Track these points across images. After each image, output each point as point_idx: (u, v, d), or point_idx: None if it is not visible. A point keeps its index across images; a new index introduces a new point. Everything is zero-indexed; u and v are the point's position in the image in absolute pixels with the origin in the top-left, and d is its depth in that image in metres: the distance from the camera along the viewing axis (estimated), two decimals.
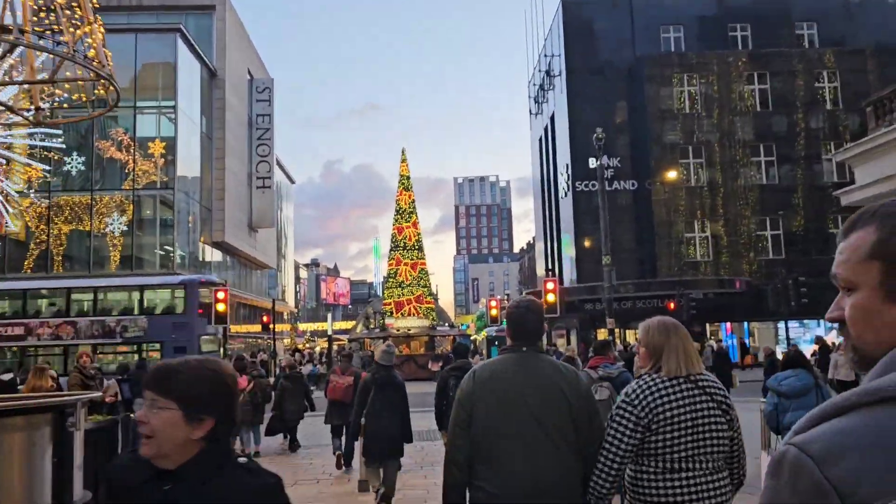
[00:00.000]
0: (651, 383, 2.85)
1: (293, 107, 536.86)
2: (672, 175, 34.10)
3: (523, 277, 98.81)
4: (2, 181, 10.82)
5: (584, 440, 2.84)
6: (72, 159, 30.90)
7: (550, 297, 17.65)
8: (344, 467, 9.45)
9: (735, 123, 35.54)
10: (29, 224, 31.24)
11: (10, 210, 11.61)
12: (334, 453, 9.92)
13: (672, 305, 25.83)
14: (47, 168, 16.68)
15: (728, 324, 36.62)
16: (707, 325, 35.00)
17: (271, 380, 15.27)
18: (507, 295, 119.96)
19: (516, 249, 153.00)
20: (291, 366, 12.69)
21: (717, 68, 35.72)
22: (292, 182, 65.55)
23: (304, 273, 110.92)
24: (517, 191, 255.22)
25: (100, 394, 7.22)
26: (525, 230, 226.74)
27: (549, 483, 2.75)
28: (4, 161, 10.49)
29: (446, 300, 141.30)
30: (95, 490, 7.07)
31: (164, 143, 31.59)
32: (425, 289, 34.02)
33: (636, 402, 2.81)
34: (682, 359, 2.87)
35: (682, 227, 35.00)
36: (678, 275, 34.35)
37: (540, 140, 46.77)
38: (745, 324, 35.41)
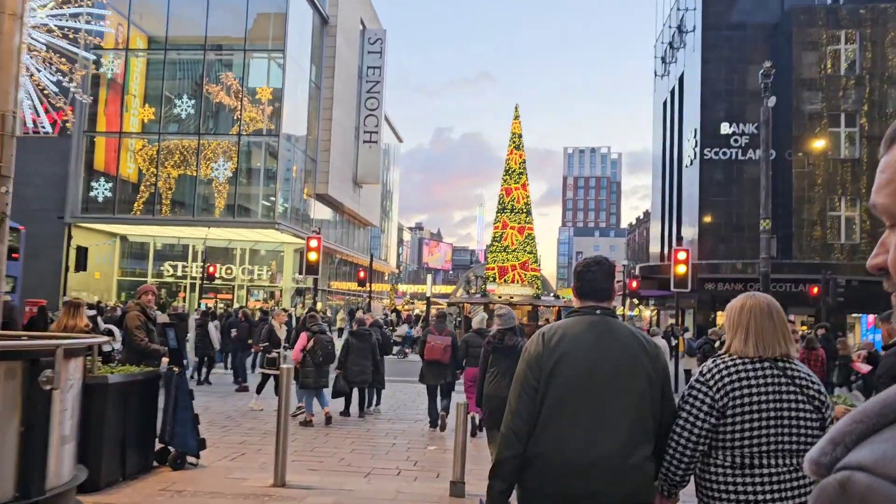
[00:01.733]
0: (730, 363, 2.57)
1: (407, 73, 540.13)
2: (820, 145, 30.20)
3: (631, 253, 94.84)
4: (37, 72, 9.37)
5: (658, 414, 2.62)
6: (182, 102, 30.63)
7: (681, 269, 15.26)
8: (433, 427, 9.58)
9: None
10: (141, 167, 31.43)
11: (48, 109, 10.27)
12: (429, 415, 9.86)
13: (815, 290, 22.65)
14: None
15: (870, 316, 32.52)
16: (846, 316, 31.17)
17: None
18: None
19: (624, 224, 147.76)
20: (361, 321, 11.17)
21: (882, 24, 31.15)
22: (400, 141, 64.53)
23: (407, 236, 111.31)
24: (628, 166, 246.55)
25: (103, 339, 5.73)
26: (633, 207, 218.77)
27: (624, 461, 2.50)
28: (42, 45, 9.03)
29: (548, 272, 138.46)
30: (123, 463, 5.55)
31: (271, 90, 30.79)
32: (531, 255, 31.70)
33: (711, 382, 2.55)
34: (761, 338, 2.54)
35: (825, 205, 31.06)
36: (818, 257, 30.61)
37: (664, 104, 43.18)
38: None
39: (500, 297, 33.93)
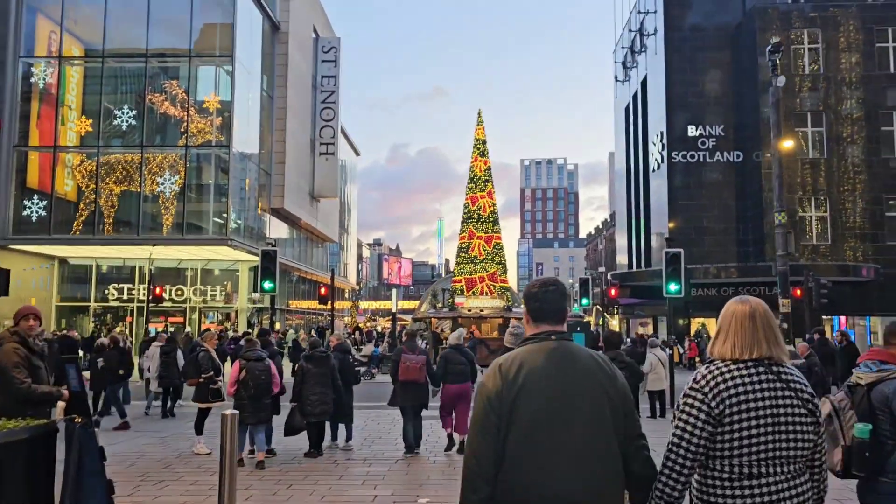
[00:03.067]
0: (724, 368, 2.47)
1: (362, 90, 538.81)
2: (788, 145, 29.63)
3: (591, 263, 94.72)
4: None
5: (623, 438, 2.49)
6: (123, 113, 28.59)
7: (674, 271, 14.05)
8: (408, 452, 9.23)
9: (863, 87, 30.69)
10: (80, 183, 29.24)
11: None
12: (405, 439, 9.33)
13: (799, 292, 21.77)
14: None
15: (842, 317, 32.04)
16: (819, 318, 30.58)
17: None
18: (570, 282, 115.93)
19: (582, 235, 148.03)
20: (314, 344, 9.62)
21: (844, 22, 30.90)
22: (357, 154, 62.89)
23: (366, 252, 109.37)
24: (583, 177, 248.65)
25: None
26: (589, 218, 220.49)
27: (600, 493, 2.40)
28: None
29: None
30: None
31: (219, 100, 28.97)
32: (500, 266, 30.53)
33: (706, 388, 2.44)
34: (739, 339, 2.47)
35: (795, 206, 30.51)
36: (793, 259, 29.96)
37: (627, 109, 42.58)
38: (868, 318, 30.73)
39: (469, 311, 32.51)
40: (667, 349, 14.32)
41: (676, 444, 2.44)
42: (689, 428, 2.42)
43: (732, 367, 2.46)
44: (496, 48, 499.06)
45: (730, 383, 2.41)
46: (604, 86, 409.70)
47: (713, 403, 2.40)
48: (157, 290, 24.17)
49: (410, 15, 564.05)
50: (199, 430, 9.30)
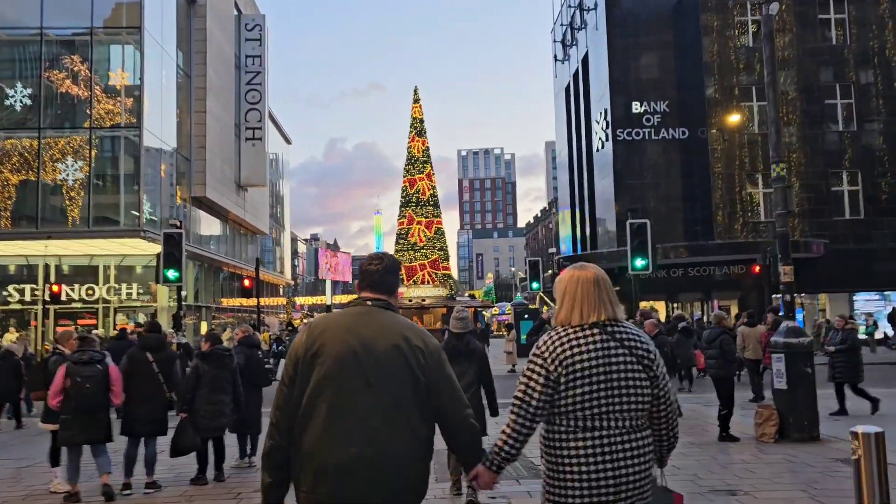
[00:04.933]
0: (562, 333, 2.65)
1: (295, 86, 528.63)
2: (734, 119, 28.77)
3: (531, 252, 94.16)
4: None
5: (440, 402, 2.59)
6: (15, 91, 25.49)
7: (639, 245, 12.48)
8: None
9: (808, 60, 30.08)
10: None
11: None
12: None
13: (757, 269, 20.71)
14: None
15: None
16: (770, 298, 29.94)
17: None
18: (512, 270, 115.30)
19: (521, 224, 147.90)
20: (215, 338, 7.57)
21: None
22: (289, 142, 60.00)
23: (302, 248, 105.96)
24: (519, 170, 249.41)
25: None
26: (526, 209, 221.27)
27: (384, 451, 2.44)
28: None
29: None
30: None
31: (127, 75, 26.18)
32: (442, 252, 28.69)
33: (546, 354, 2.62)
34: (579, 306, 2.65)
35: (744, 182, 29.69)
36: (743, 236, 29.16)
37: (567, 89, 41.30)
38: (817, 296, 30.21)
39: (409, 301, 30.57)
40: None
41: (518, 405, 2.62)
42: (528, 391, 2.59)
43: (570, 331, 2.63)
44: (431, 40, 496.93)
45: (566, 346, 2.58)
46: (540, 74, 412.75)
47: (551, 367, 2.57)
48: (55, 287, 21.36)
49: (342, 10, 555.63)
50: (54, 460, 7.11)
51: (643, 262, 12.49)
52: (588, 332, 2.58)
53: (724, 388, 9.07)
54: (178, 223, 14.69)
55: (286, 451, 2.50)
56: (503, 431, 2.62)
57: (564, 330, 2.63)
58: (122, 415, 6.99)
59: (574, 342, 2.56)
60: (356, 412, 2.43)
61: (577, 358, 2.53)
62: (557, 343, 2.58)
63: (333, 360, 2.48)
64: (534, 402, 2.55)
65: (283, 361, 11.84)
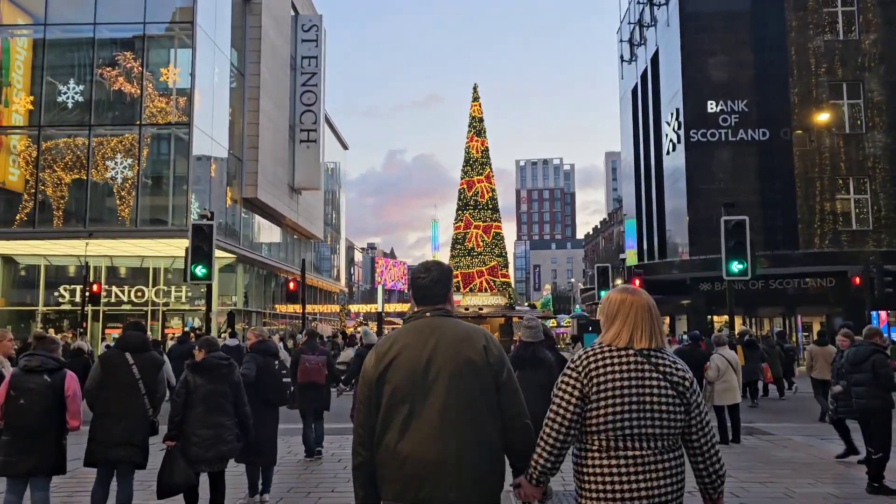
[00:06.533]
0: (598, 350, 2.64)
1: (355, 98, 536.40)
2: (824, 118, 26.29)
3: (590, 263, 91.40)
4: None
5: (496, 409, 2.66)
6: (68, 89, 25.06)
7: (735, 245, 10.56)
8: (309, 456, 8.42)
9: None
10: (24, 171, 25.74)
11: None
12: (305, 442, 8.71)
13: (858, 280, 18.39)
14: None
15: (882, 314, 28.61)
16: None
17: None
18: (571, 282, 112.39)
19: (580, 235, 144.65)
20: (211, 344, 5.87)
21: None
22: (346, 147, 59.31)
23: (358, 256, 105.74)
24: (579, 182, 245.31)
25: None
26: (584, 222, 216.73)
27: (458, 456, 2.54)
28: None
29: None
30: None
31: (178, 71, 25.48)
32: (501, 258, 26.95)
33: (580, 368, 2.60)
34: (629, 330, 2.62)
35: (836, 187, 27.10)
36: (827, 246, 26.59)
37: (634, 91, 39.19)
38: None
39: (466, 310, 28.88)
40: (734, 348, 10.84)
41: (552, 418, 2.59)
42: (563, 404, 2.57)
43: (606, 349, 2.61)
44: (490, 54, 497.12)
45: (600, 363, 2.56)
46: (600, 84, 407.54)
47: (584, 381, 2.55)
48: (95, 286, 20.56)
49: (400, 23, 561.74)
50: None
51: (741, 266, 10.59)
52: (623, 353, 2.58)
53: (879, 424, 6.94)
54: (210, 214, 13.44)
55: (372, 464, 2.61)
56: (537, 444, 2.62)
57: (601, 347, 2.64)
58: (89, 436, 5.49)
59: (608, 360, 2.57)
60: (428, 421, 2.54)
61: (609, 377, 2.53)
62: (592, 359, 2.59)
63: (403, 375, 2.61)
64: (568, 416, 2.55)
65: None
